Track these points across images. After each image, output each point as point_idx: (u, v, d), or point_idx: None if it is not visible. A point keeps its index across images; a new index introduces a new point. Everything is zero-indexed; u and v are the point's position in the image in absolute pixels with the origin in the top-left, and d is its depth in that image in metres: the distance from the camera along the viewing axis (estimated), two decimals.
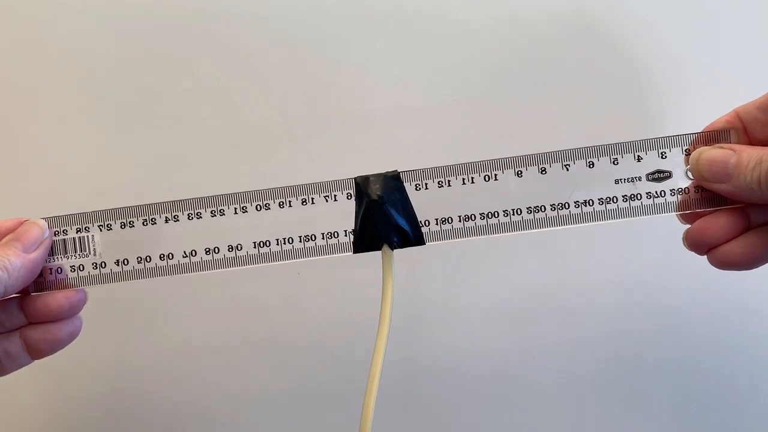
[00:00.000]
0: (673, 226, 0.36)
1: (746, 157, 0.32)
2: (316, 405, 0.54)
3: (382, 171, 0.36)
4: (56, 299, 0.36)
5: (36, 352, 0.36)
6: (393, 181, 0.35)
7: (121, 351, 0.54)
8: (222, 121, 0.52)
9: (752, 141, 0.34)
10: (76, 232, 0.36)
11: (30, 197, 0.52)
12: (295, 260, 0.36)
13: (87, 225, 0.36)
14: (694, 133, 0.35)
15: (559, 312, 0.54)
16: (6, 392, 0.54)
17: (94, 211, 0.36)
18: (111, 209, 0.36)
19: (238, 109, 0.52)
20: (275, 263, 0.36)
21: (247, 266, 0.36)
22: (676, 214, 0.35)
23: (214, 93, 0.52)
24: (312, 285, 0.53)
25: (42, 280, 0.36)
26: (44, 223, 0.36)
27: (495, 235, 0.35)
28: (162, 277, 0.36)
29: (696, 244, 0.34)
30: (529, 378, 0.54)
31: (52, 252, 0.36)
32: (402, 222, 0.35)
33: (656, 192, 0.35)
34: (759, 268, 0.34)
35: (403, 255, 0.36)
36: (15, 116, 0.52)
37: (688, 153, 0.34)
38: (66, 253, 0.36)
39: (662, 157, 0.35)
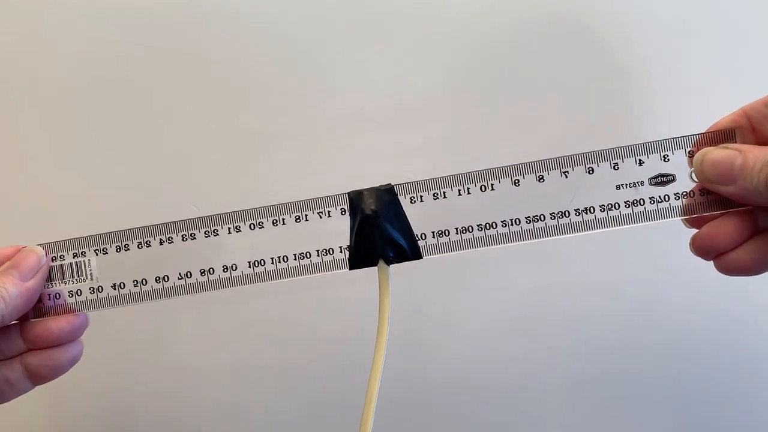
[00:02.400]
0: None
1: (752, 158, 0.31)
2: (318, 420, 0.54)
3: (376, 185, 0.35)
4: (57, 323, 0.36)
5: (37, 378, 0.36)
6: (387, 195, 0.35)
7: (123, 372, 0.55)
8: (216, 125, 0.53)
9: (761, 140, 0.33)
10: (73, 257, 0.36)
11: (24, 223, 0.52)
12: (291, 278, 0.35)
13: (83, 249, 0.36)
14: (698, 134, 0.33)
15: (561, 319, 0.53)
16: (4, 414, 0.55)
17: (89, 236, 0.36)
18: (106, 233, 0.36)
19: (232, 114, 0.53)
20: (271, 282, 0.35)
21: (243, 286, 0.36)
22: (682, 219, 0.34)
23: (207, 96, 0.53)
24: (313, 301, 0.53)
25: (40, 306, 0.36)
26: (41, 250, 0.36)
27: (494, 247, 0.34)
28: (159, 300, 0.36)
29: (703, 250, 0.33)
30: (532, 387, 0.54)
31: (49, 278, 0.36)
32: (397, 236, 0.34)
33: (660, 197, 0.33)
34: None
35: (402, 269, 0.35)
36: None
37: (691, 155, 0.33)
38: (63, 278, 0.36)
39: (665, 161, 0.33)
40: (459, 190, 0.34)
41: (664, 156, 0.33)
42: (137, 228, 0.36)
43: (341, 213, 0.35)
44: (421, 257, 0.35)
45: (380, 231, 0.34)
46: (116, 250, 0.36)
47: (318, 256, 0.35)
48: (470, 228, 0.34)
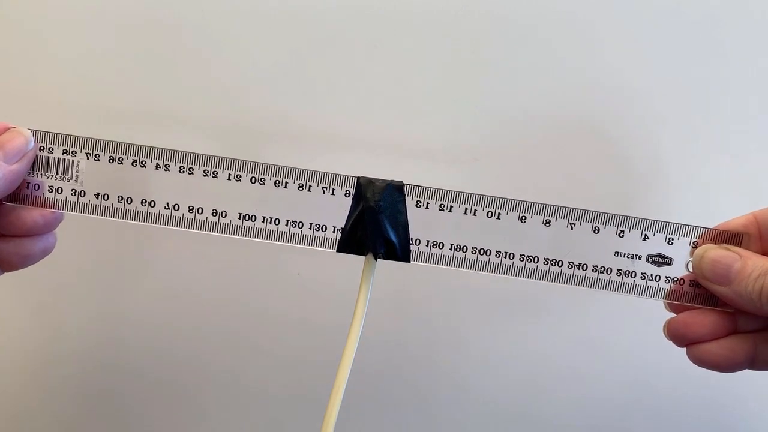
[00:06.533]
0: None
1: (751, 265, 0.31)
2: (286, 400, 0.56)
3: (388, 178, 0.34)
4: (31, 215, 0.35)
5: (7, 265, 0.35)
6: (396, 192, 0.34)
7: (111, 301, 0.54)
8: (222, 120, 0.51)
9: (766, 250, 0.33)
10: (62, 153, 0.35)
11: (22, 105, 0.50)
12: (277, 242, 0.35)
13: (75, 149, 0.35)
14: (707, 228, 0.34)
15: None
16: None
17: (85, 137, 0.35)
18: (103, 139, 0.35)
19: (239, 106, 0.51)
20: (257, 240, 0.35)
21: (228, 235, 0.35)
22: (664, 301, 0.35)
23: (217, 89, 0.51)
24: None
25: (17, 192, 0.35)
26: (30, 134, 0.34)
27: (482, 273, 0.34)
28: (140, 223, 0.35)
29: (677, 336, 0.34)
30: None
31: (33, 167, 0.35)
32: (393, 236, 0.34)
33: (651, 275, 0.34)
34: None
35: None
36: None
37: (694, 246, 0.34)
38: (47, 172, 0.35)
39: (669, 243, 0.34)
40: (466, 209, 0.34)
41: (669, 239, 0.34)
42: (136, 144, 0.35)
43: (345, 195, 0.34)
44: (409, 261, 0.35)
45: (378, 226, 0.34)
46: (109, 160, 0.35)
47: (310, 229, 0.35)
48: (465, 248, 0.34)
